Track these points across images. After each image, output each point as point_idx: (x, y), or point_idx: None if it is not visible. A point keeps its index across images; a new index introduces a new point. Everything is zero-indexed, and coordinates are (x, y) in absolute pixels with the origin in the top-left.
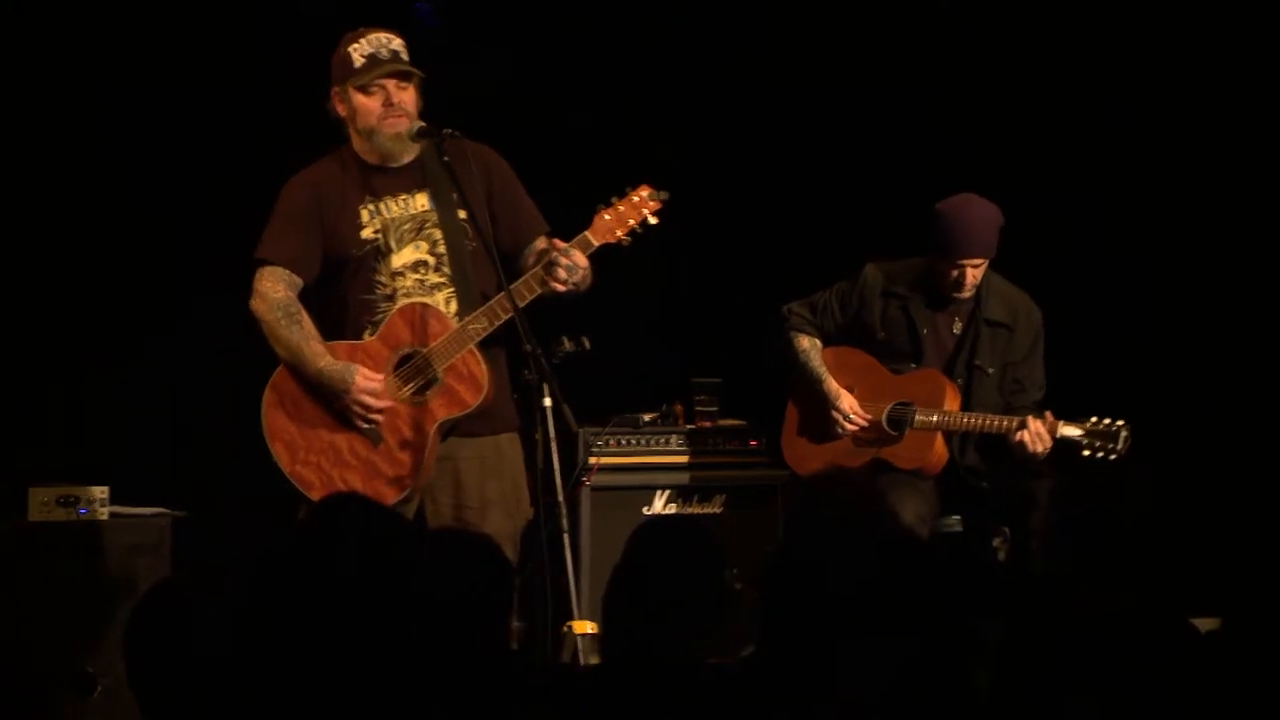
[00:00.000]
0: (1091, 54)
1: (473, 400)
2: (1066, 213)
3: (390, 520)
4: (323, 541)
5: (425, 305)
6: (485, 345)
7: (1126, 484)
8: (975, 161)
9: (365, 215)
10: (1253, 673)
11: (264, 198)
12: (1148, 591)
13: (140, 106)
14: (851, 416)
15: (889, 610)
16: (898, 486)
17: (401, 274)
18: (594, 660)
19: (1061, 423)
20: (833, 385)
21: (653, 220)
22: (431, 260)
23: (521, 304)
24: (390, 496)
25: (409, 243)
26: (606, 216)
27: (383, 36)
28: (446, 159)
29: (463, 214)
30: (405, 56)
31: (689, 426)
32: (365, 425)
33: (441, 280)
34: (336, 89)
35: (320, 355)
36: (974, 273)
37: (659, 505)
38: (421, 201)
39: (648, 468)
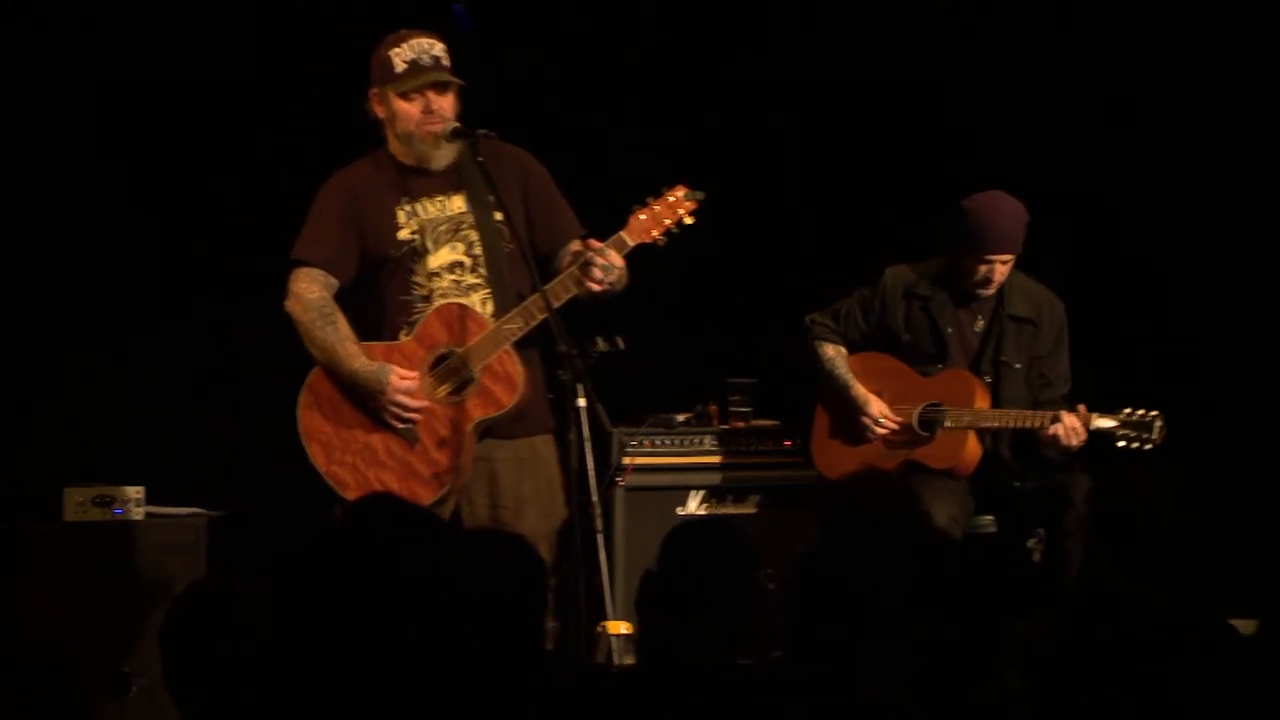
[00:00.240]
0: (1115, 44)
1: (509, 400)
2: (1092, 209)
3: (424, 520)
4: (357, 541)
5: (461, 305)
6: (521, 346)
7: (1160, 484)
8: (999, 159)
9: (402, 216)
10: None
11: (299, 197)
12: (1185, 593)
13: (167, 104)
14: (882, 421)
15: (921, 611)
16: (930, 487)
17: (438, 275)
18: (628, 661)
19: (1095, 415)
20: (861, 391)
21: (689, 220)
22: (468, 261)
23: (557, 304)
24: (426, 497)
25: (445, 244)
26: (642, 217)
27: (424, 42)
28: (481, 159)
29: (499, 216)
30: (446, 62)
31: (723, 427)
32: (401, 425)
33: (478, 281)
34: (375, 90)
35: (355, 356)
36: (1002, 269)
37: (693, 506)
38: (458, 203)
39: (682, 468)
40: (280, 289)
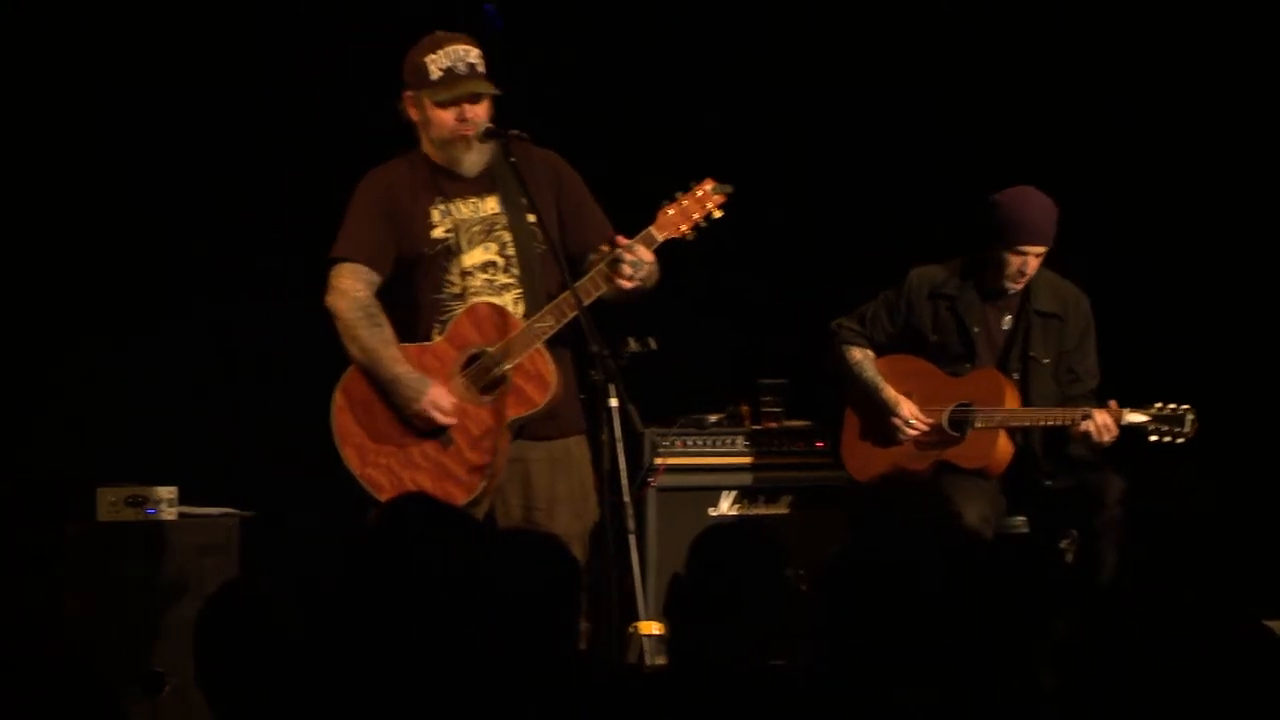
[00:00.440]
0: (1141, 37)
1: (541, 398)
2: (1119, 203)
3: (458, 521)
4: (391, 542)
5: (492, 305)
6: (552, 346)
7: (1193, 483)
8: (1026, 158)
9: (436, 215)
10: None
11: (333, 198)
12: (1219, 593)
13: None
14: (912, 422)
15: (952, 612)
16: (962, 487)
17: (471, 274)
18: (660, 661)
19: (1127, 410)
20: (891, 393)
21: (717, 214)
22: (501, 261)
23: (587, 301)
24: (460, 497)
25: (479, 244)
26: (670, 211)
27: (460, 48)
28: (513, 159)
29: (531, 217)
30: (481, 69)
31: (755, 427)
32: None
33: (510, 281)
34: (409, 94)
35: (398, 361)
36: (1034, 262)
37: (725, 506)
38: (491, 205)
39: (713, 469)
40: (316, 289)
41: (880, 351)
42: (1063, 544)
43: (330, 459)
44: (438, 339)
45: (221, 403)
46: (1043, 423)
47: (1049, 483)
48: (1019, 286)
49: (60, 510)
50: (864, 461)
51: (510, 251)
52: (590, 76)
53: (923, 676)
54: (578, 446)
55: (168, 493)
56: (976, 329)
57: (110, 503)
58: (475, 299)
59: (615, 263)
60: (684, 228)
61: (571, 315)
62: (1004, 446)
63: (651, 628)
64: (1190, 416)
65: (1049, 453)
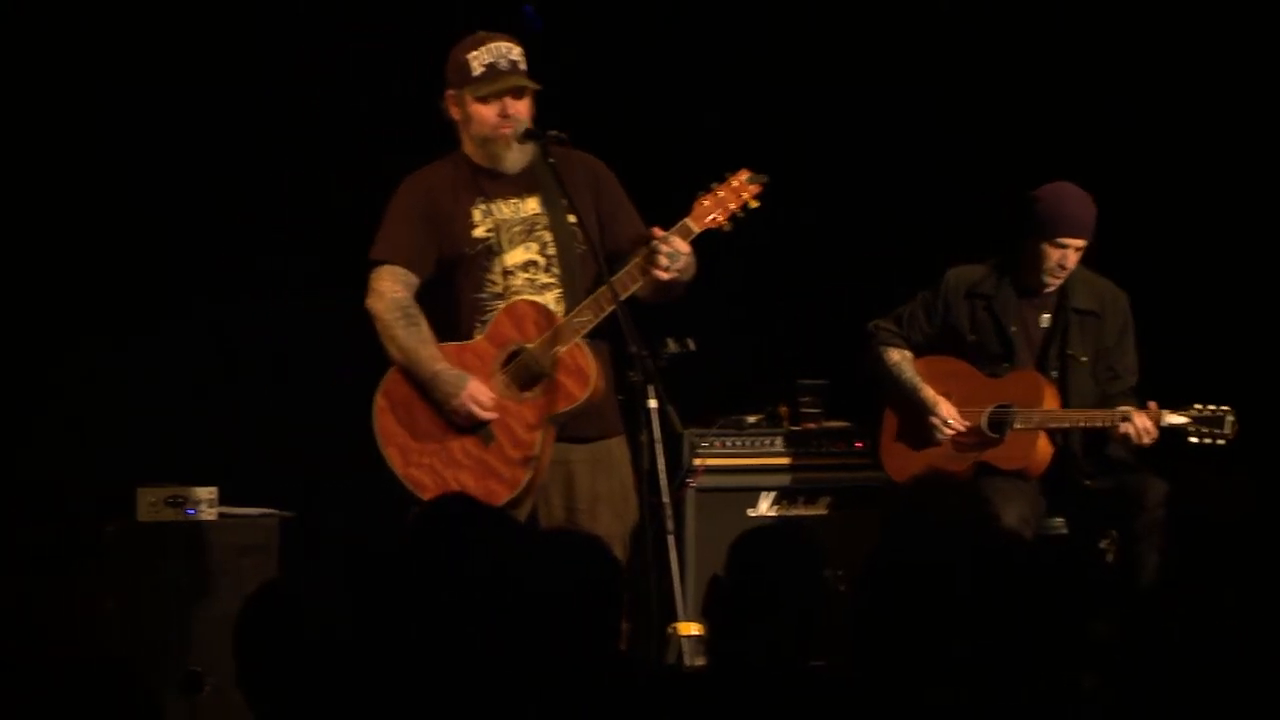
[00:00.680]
0: (1178, 34)
1: (581, 393)
2: (1156, 201)
3: (498, 521)
4: (432, 542)
5: (531, 302)
6: (591, 344)
7: (1234, 485)
8: (1066, 157)
9: (477, 215)
10: None
11: (373, 199)
12: (1259, 595)
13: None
14: (950, 422)
15: (989, 612)
16: (1001, 488)
17: (513, 273)
18: (699, 662)
19: (1166, 411)
20: (929, 393)
21: (754, 204)
22: (542, 261)
23: (624, 294)
24: (503, 494)
25: (520, 244)
26: (705, 202)
27: (502, 45)
28: (552, 160)
29: (572, 218)
30: (523, 66)
31: (794, 428)
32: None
33: (551, 280)
34: (451, 93)
35: (436, 359)
36: (1074, 256)
37: (764, 507)
38: (532, 205)
39: (752, 469)
40: (356, 290)
41: (919, 352)
42: (1102, 544)
43: (371, 459)
44: (478, 337)
45: (262, 403)
46: (1082, 424)
47: (1088, 483)
48: (1057, 282)
49: (100, 510)
50: (902, 462)
51: (551, 251)
52: (625, 73)
53: (961, 677)
54: (619, 447)
55: (207, 493)
56: (1014, 328)
57: (150, 503)
58: (515, 298)
59: (651, 254)
60: (720, 218)
61: (609, 310)
62: (1043, 448)
63: (690, 628)
64: (1230, 418)
65: (1088, 453)
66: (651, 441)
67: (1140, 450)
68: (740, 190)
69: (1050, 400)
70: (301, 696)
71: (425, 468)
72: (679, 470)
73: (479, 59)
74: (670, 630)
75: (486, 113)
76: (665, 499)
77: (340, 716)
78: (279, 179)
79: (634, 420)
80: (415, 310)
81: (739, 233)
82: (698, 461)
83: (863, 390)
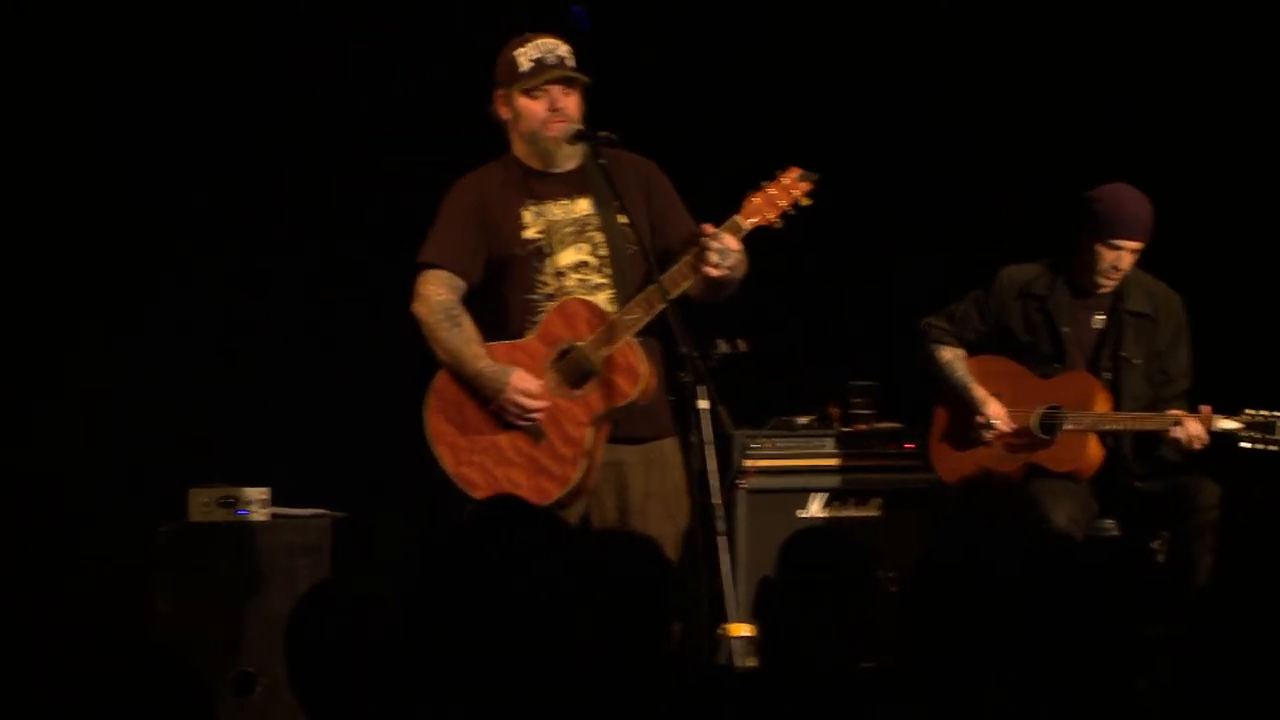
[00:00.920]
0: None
1: (631, 390)
2: (1211, 203)
3: (548, 522)
4: (485, 542)
5: (582, 300)
6: (642, 343)
7: None
8: (1122, 155)
9: (528, 216)
10: None
11: (427, 204)
12: None
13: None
14: (995, 422)
15: (1038, 613)
16: (1050, 489)
17: (564, 274)
18: (749, 663)
19: (1218, 416)
20: (980, 392)
21: (805, 202)
22: (594, 261)
23: (674, 292)
24: (554, 491)
25: (571, 244)
26: (756, 200)
27: (549, 42)
28: (603, 161)
29: (623, 219)
30: (571, 63)
31: (845, 429)
32: (525, 423)
33: (604, 281)
34: (500, 92)
35: (479, 357)
36: (1129, 258)
37: (814, 508)
38: (583, 206)
39: (803, 470)
40: (406, 292)
41: (971, 351)
42: (1154, 545)
43: (423, 459)
44: (529, 336)
45: (314, 404)
46: (1134, 428)
47: (1139, 485)
48: (1112, 283)
49: (152, 510)
50: (953, 463)
51: (603, 252)
52: (677, 72)
53: (1012, 679)
54: (671, 448)
55: (260, 494)
56: (1066, 329)
57: (202, 503)
58: (567, 296)
59: (701, 251)
60: (771, 215)
61: (660, 308)
62: (1094, 449)
63: (741, 629)
64: None
65: (1139, 455)
66: (702, 443)
67: (1191, 454)
68: (791, 188)
69: (1102, 402)
70: (353, 697)
71: (476, 465)
72: (729, 471)
73: (526, 55)
74: (720, 631)
75: (535, 107)
76: (716, 500)
77: (391, 717)
78: (324, 177)
79: (684, 421)
80: (459, 311)
81: (790, 232)
82: (748, 463)
83: (913, 391)
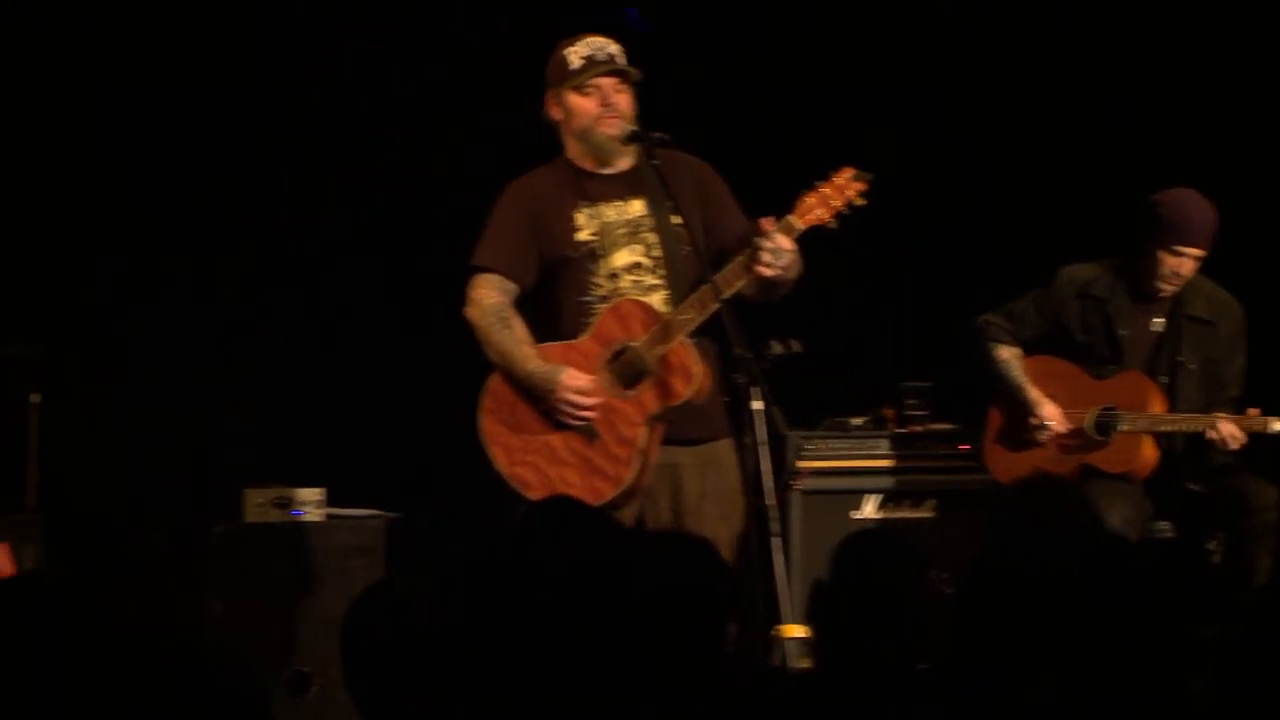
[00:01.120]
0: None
1: (684, 390)
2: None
3: (604, 523)
4: (537, 544)
5: (635, 300)
6: (696, 343)
7: None
8: (1187, 159)
9: (581, 218)
10: None
11: (479, 209)
12: None
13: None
14: (1049, 423)
15: (1097, 614)
16: (1105, 491)
17: (618, 275)
18: (804, 664)
19: (1271, 418)
20: (1034, 392)
21: (859, 202)
22: (648, 263)
23: (728, 291)
24: (608, 491)
25: (624, 246)
26: (809, 199)
27: (600, 40)
28: (656, 162)
29: (677, 219)
30: (622, 61)
31: (899, 430)
32: (578, 422)
33: (658, 282)
34: (551, 92)
35: (530, 358)
36: (1189, 264)
37: (868, 509)
38: (637, 207)
39: (857, 471)
40: (460, 295)
41: (1027, 350)
42: (1210, 546)
43: (477, 460)
44: (583, 337)
45: (370, 405)
46: (1184, 429)
47: (1193, 486)
48: (1172, 289)
49: (207, 511)
50: (1007, 464)
51: (657, 253)
52: (733, 71)
53: (1067, 679)
54: (726, 449)
55: (314, 494)
56: (1124, 331)
57: (257, 504)
58: (620, 297)
59: (755, 251)
60: (825, 215)
61: (713, 308)
62: (1149, 451)
63: (795, 631)
64: None
65: (1192, 456)
66: (756, 444)
67: (1247, 455)
68: (845, 188)
69: (1156, 405)
70: (408, 698)
71: (530, 465)
72: (784, 473)
73: (576, 53)
74: (775, 633)
75: (587, 104)
76: (771, 501)
77: (448, 717)
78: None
79: (739, 422)
80: (510, 313)
81: (844, 232)
82: (802, 464)
83: (968, 392)
